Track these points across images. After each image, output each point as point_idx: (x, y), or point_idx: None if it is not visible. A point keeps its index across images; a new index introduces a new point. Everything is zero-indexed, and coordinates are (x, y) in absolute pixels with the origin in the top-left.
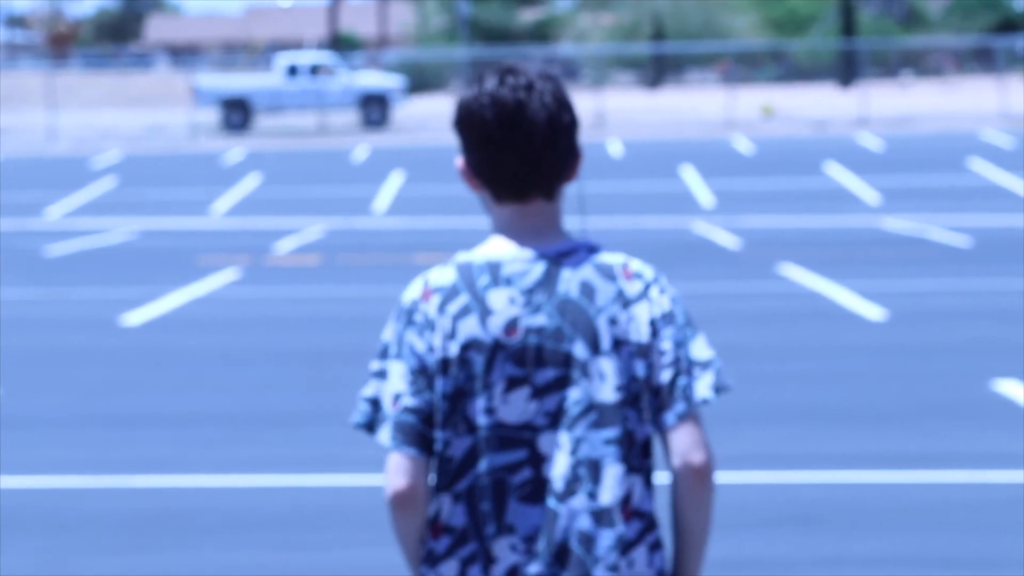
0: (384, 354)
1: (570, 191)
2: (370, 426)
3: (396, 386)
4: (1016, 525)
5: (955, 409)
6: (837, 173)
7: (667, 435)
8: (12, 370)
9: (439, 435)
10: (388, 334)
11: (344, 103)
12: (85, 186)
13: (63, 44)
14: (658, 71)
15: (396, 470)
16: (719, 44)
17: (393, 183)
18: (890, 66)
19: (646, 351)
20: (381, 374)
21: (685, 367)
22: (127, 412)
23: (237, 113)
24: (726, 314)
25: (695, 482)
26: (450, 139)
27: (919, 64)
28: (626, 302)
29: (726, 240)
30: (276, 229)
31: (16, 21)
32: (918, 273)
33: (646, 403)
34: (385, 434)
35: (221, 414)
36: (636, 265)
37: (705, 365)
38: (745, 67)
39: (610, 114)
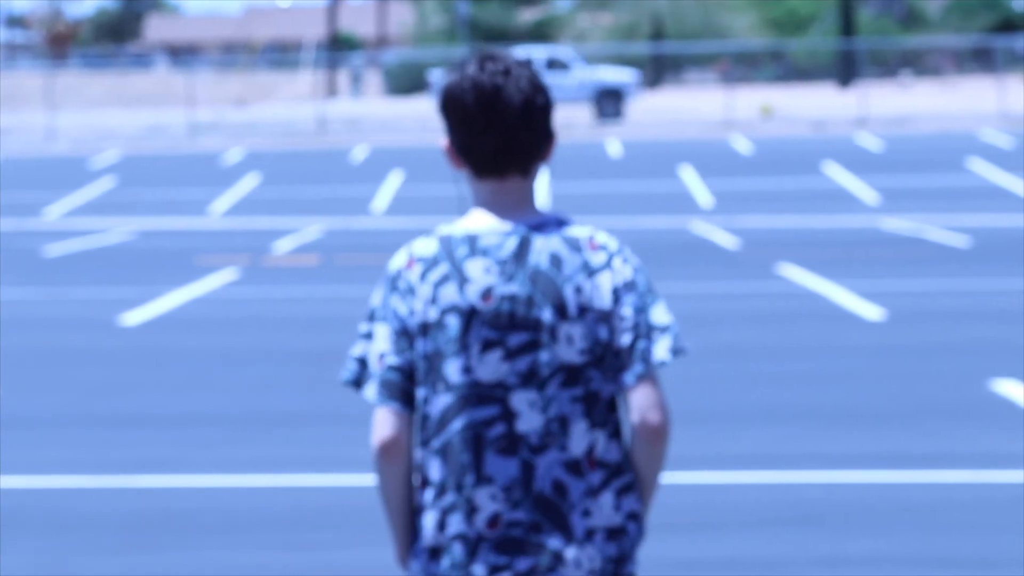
0: (371, 317)
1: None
2: (357, 382)
3: (381, 346)
4: (1015, 525)
5: (954, 409)
6: (836, 173)
7: (627, 394)
8: (11, 370)
9: (420, 392)
10: (375, 299)
11: (579, 97)
12: (84, 186)
13: (62, 44)
14: (657, 71)
15: (382, 422)
16: (718, 44)
17: (392, 183)
18: (889, 66)
19: (608, 316)
20: (368, 336)
21: (644, 331)
22: (127, 412)
23: None
24: (725, 314)
25: (651, 438)
26: None
27: (918, 64)
28: (591, 272)
29: (725, 240)
30: (275, 229)
31: (15, 21)
32: (917, 273)
33: (609, 364)
34: (371, 390)
35: (221, 414)
36: (601, 237)
37: (663, 329)
38: (744, 67)
39: None
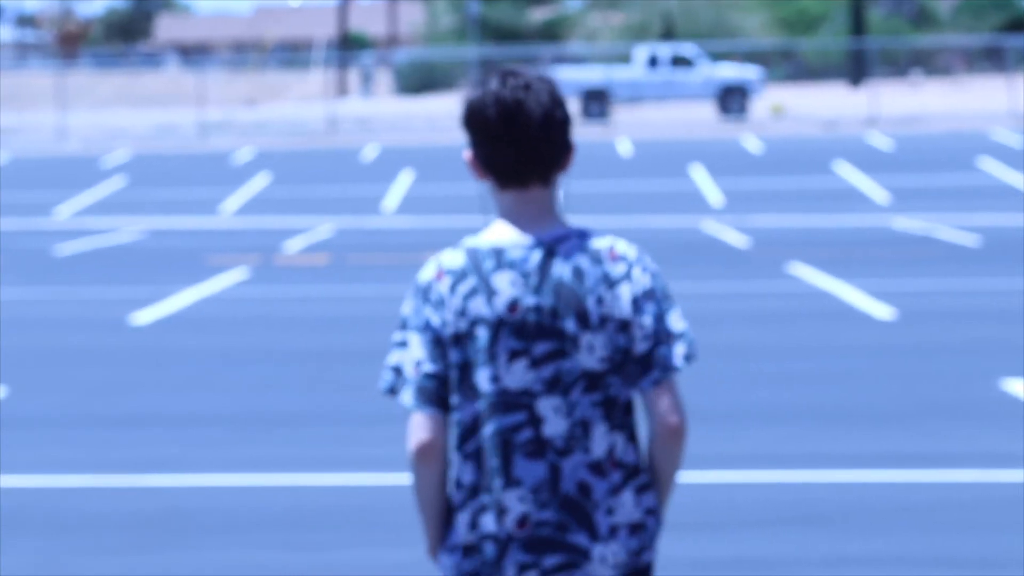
0: (404, 326)
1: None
2: (393, 389)
3: (416, 354)
4: (1016, 525)
5: (962, 408)
6: (847, 172)
7: (646, 398)
8: (18, 369)
9: (453, 399)
10: (407, 309)
11: (704, 95)
12: (94, 185)
13: (73, 43)
14: None
15: (419, 426)
16: (729, 43)
17: (403, 182)
18: (900, 65)
19: (628, 325)
20: (402, 344)
21: (663, 337)
22: (129, 412)
23: (596, 103)
24: (735, 313)
25: (670, 439)
26: (459, 138)
27: (929, 63)
28: (611, 283)
29: (735, 239)
30: (285, 228)
31: (26, 20)
32: (927, 273)
33: (628, 370)
34: (408, 396)
35: (223, 414)
36: (621, 248)
37: (680, 336)
38: (755, 66)
39: (620, 113)
